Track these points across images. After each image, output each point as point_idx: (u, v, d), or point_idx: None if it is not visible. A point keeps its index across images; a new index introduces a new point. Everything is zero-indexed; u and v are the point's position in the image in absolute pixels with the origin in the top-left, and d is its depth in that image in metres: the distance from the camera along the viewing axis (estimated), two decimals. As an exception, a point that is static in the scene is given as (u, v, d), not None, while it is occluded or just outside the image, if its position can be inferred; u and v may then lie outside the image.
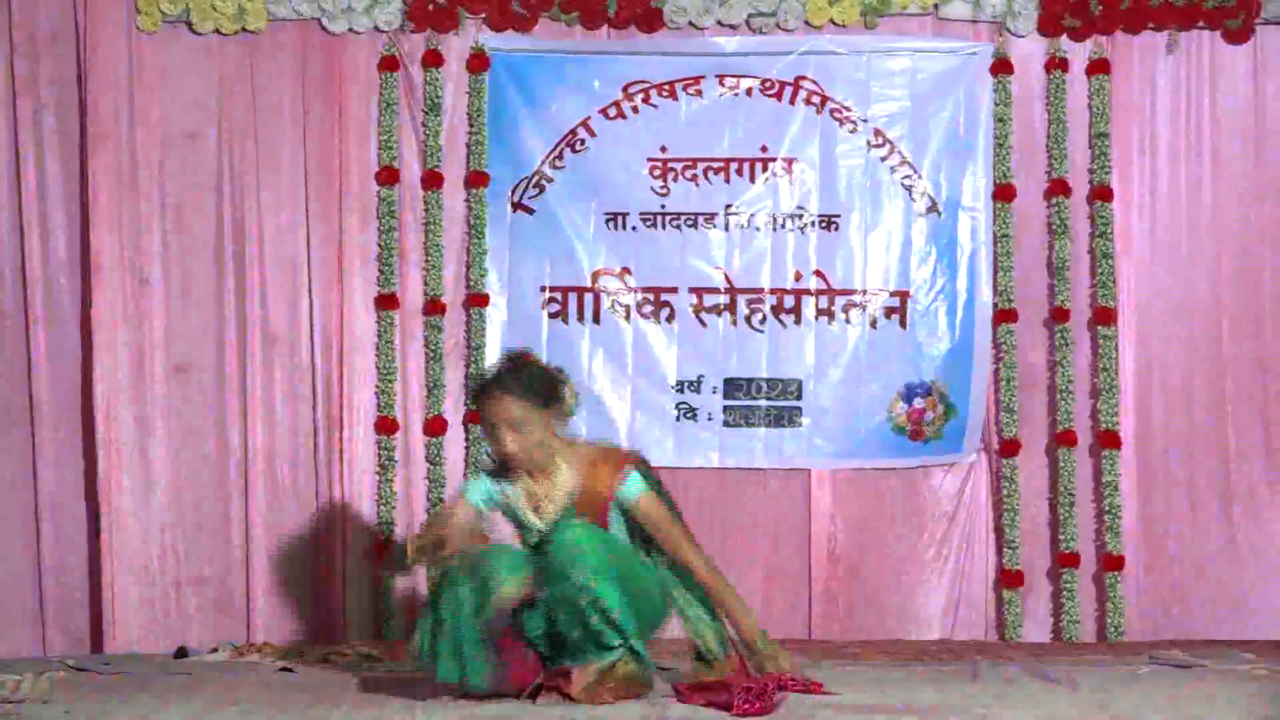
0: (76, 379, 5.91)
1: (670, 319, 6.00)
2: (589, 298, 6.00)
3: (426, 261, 5.96)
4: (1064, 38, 6.01)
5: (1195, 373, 6.02)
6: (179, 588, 5.89)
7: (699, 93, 6.03)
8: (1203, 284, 6.04)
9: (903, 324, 6.03)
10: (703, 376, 6.01)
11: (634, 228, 6.01)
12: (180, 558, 5.90)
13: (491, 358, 5.89)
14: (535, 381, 4.35)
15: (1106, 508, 5.93)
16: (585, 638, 4.14)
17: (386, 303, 5.94)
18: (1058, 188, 5.99)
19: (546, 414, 4.34)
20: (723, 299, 6.02)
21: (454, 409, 5.98)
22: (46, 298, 5.90)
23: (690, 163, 6.02)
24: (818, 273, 6.04)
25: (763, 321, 6.04)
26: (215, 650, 5.50)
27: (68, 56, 5.93)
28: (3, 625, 5.79)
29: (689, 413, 6.00)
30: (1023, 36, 6.01)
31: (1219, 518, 6.00)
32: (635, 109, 6.01)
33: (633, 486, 4.39)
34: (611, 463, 4.44)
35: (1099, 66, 6.00)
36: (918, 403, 6.00)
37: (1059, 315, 5.98)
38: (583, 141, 5.97)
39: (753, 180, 6.04)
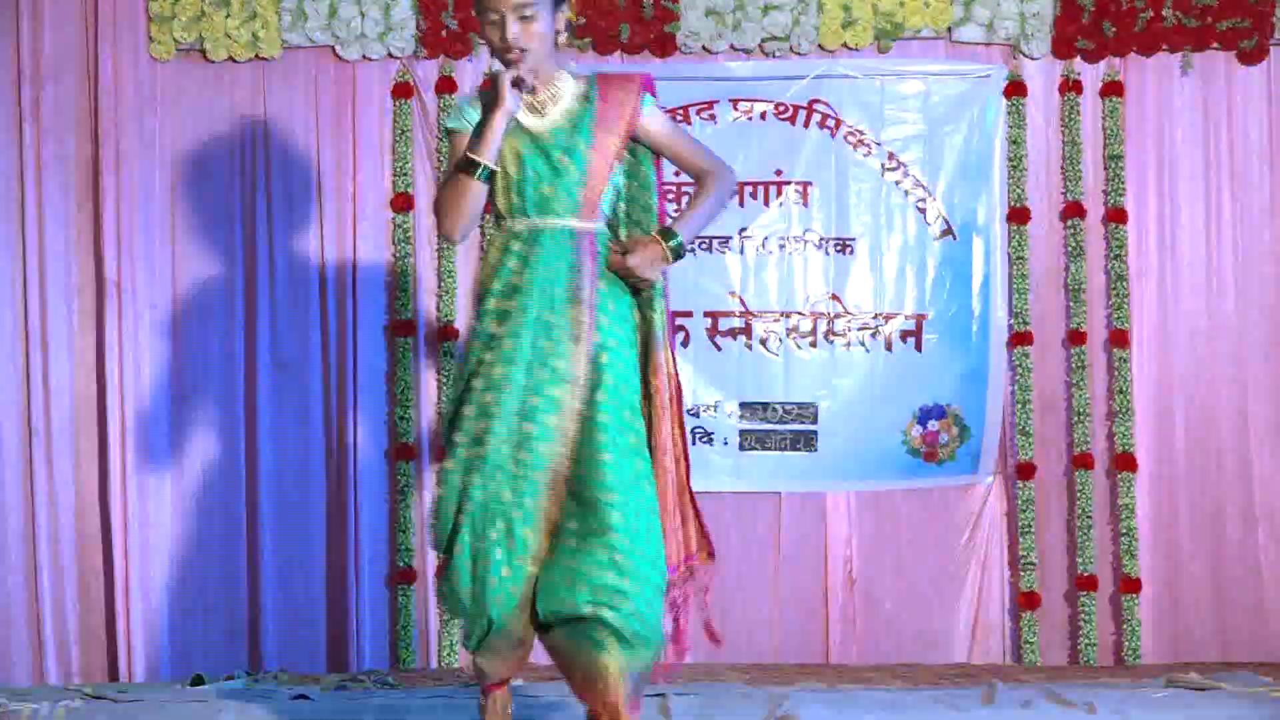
0: (91, 405, 5.91)
1: (685, 343, 6.00)
2: (603, 322, 6.01)
3: (440, 287, 5.97)
4: (1077, 60, 6.01)
5: (1216, 395, 6.00)
6: (190, 616, 5.89)
7: (713, 117, 6.04)
8: (1221, 305, 6.02)
9: (918, 347, 6.03)
10: (718, 400, 6.01)
11: (648, 252, 6.01)
12: (191, 586, 5.90)
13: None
14: None
15: (1123, 530, 5.91)
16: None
17: (401, 329, 5.94)
18: (1072, 210, 5.99)
19: (554, 12, 3.83)
20: (738, 322, 6.02)
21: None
22: (53, 323, 5.89)
23: (703, 186, 6.03)
24: (832, 296, 6.04)
25: (778, 345, 6.04)
26: (231, 678, 5.50)
27: (77, 83, 5.94)
28: (19, 654, 5.77)
29: (704, 436, 6.00)
30: (1036, 59, 6.01)
31: (1240, 540, 5.97)
32: (649, 134, 6.02)
33: (650, 106, 3.92)
34: (622, 80, 3.94)
35: (1113, 88, 6.00)
36: (932, 425, 5.99)
37: (1075, 338, 5.97)
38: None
39: (767, 204, 6.04)
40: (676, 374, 3.93)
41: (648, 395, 3.87)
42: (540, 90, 3.84)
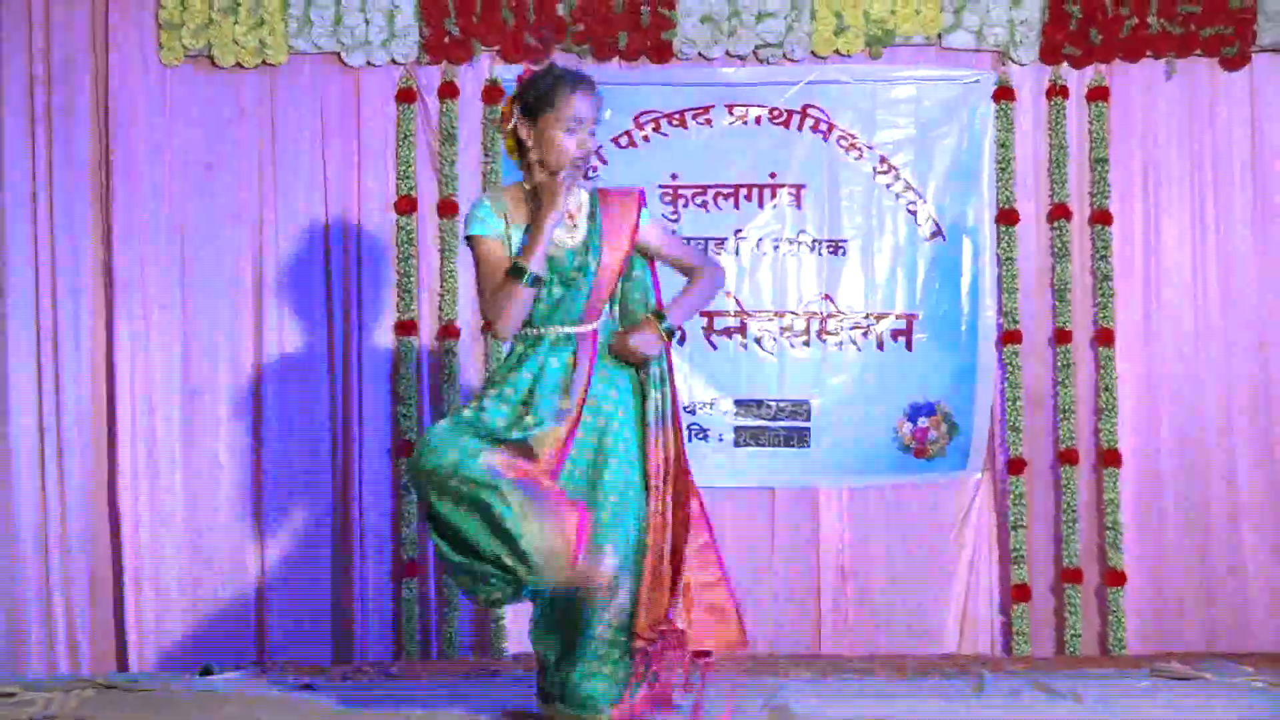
0: (102, 402, 5.93)
1: (681, 341, 6.00)
2: (602, 322, 6.03)
3: (442, 287, 5.99)
4: (1064, 65, 6.03)
5: (1199, 392, 6.02)
6: (198, 608, 5.91)
7: (708, 122, 6.06)
8: (1204, 305, 6.04)
9: (908, 346, 6.05)
10: (714, 398, 6.03)
11: (645, 253, 6.04)
12: (200, 579, 5.92)
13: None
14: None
15: (1108, 524, 5.94)
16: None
17: (404, 328, 5.96)
18: (1059, 212, 6.01)
19: None
20: (733, 322, 6.04)
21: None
22: (65, 321, 5.91)
23: (700, 189, 6.05)
24: (825, 296, 6.06)
25: (772, 344, 6.06)
26: (239, 668, 5.52)
27: (89, 88, 5.95)
28: (33, 646, 5.78)
29: (700, 433, 6.01)
30: (1024, 65, 6.03)
31: (1223, 535, 5.99)
32: (646, 138, 6.04)
33: (648, 219, 4.28)
34: (623, 199, 4.25)
35: (1098, 93, 6.02)
36: (922, 422, 6.01)
37: (1061, 336, 6.00)
38: (595, 169, 5.99)
39: (761, 206, 6.06)
40: (681, 455, 4.23)
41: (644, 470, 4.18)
42: (560, 200, 4.09)
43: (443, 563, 4.16)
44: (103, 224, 5.95)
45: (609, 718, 4.04)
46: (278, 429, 5.96)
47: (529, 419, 4.00)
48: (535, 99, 4.13)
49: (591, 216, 4.20)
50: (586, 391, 4.09)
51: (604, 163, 6.01)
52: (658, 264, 4.38)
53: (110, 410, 5.92)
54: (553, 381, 4.08)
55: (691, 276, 4.37)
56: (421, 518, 4.07)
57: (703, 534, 4.23)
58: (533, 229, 4.05)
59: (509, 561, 3.85)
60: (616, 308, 4.30)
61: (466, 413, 4.03)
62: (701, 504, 4.26)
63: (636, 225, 4.22)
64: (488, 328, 4.19)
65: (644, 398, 4.21)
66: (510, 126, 4.18)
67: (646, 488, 4.14)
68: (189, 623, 5.89)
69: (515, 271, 4.01)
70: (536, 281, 4.04)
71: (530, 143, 4.14)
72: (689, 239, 5.98)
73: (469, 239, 4.15)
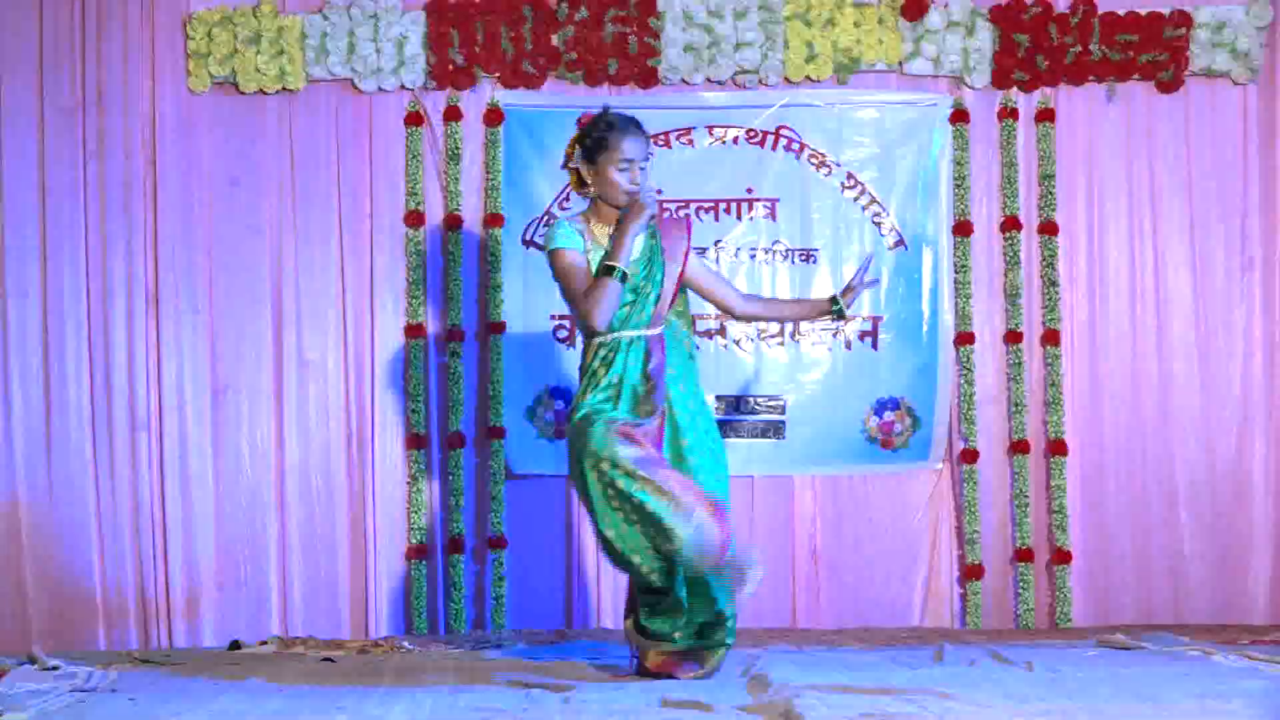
0: (140, 398, 5.93)
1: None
2: (594, 325, 6.04)
3: (448, 294, 6.02)
4: (1014, 90, 6.07)
5: (1140, 388, 6.06)
6: (226, 588, 5.93)
7: (690, 141, 6.09)
8: (1143, 309, 6.08)
9: (874, 346, 6.08)
10: (696, 394, 6.05)
11: (634, 262, 6.06)
12: (228, 561, 5.93)
13: (506, 378, 5.97)
14: None
15: (1055, 508, 5.98)
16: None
17: (413, 331, 5.99)
18: (1010, 224, 6.05)
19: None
20: (714, 324, 6.07)
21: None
22: (112, 327, 5.93)
23: (683, 203, 6.07)
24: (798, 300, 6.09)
25: (750, 345, 6.09)
26: (265, 643, 5.54)
27: (124, 112, 5.95)
28: (76, 623, 5.80)
29: (684, 426, 6.03)
30: (977, 89, 6.07)
31: (1162, 518, 6.03)
32: (634, 157, 6.07)
33: (694, 258, 4.68)
34: (677, 225, 4.64)
35: (1045, 115, 6.06)
36: (888, 416, 6.05)
37: (1012, 337, 6.04)
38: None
39: (739, 218, 6.09)
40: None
41: None
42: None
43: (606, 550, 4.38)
44: (141, 236, 5.95)
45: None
46: (298, 424, 5.99)
47: (644, 407, 4.37)
48: (593, 143, 4.47)
49: (652, 235, 4.52)
50: (665, 392, 4.44)
51: (595, 179, 6.03)
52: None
53: (147, 405, 5.93)
54: (635, 378, 4.40)
55: (727, 299, 4.81)
56: (588, 510, 4.34)
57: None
58: (617, 236, 4.41)
59: (665, 548, 4.20)
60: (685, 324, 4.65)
61: (602, 408, 4.36)
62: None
63: (689, 248, 4.58)
64: (583, 325, 4.47)
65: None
66: (572, 165, 4.51)
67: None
68: (219, 601, 5.91)
69: (607, 270, 4.36)
70: (624, 278, 4.37)
71: (591, 180, 4.49)
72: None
73: (553, 252, 4.47)
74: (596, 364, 4.44)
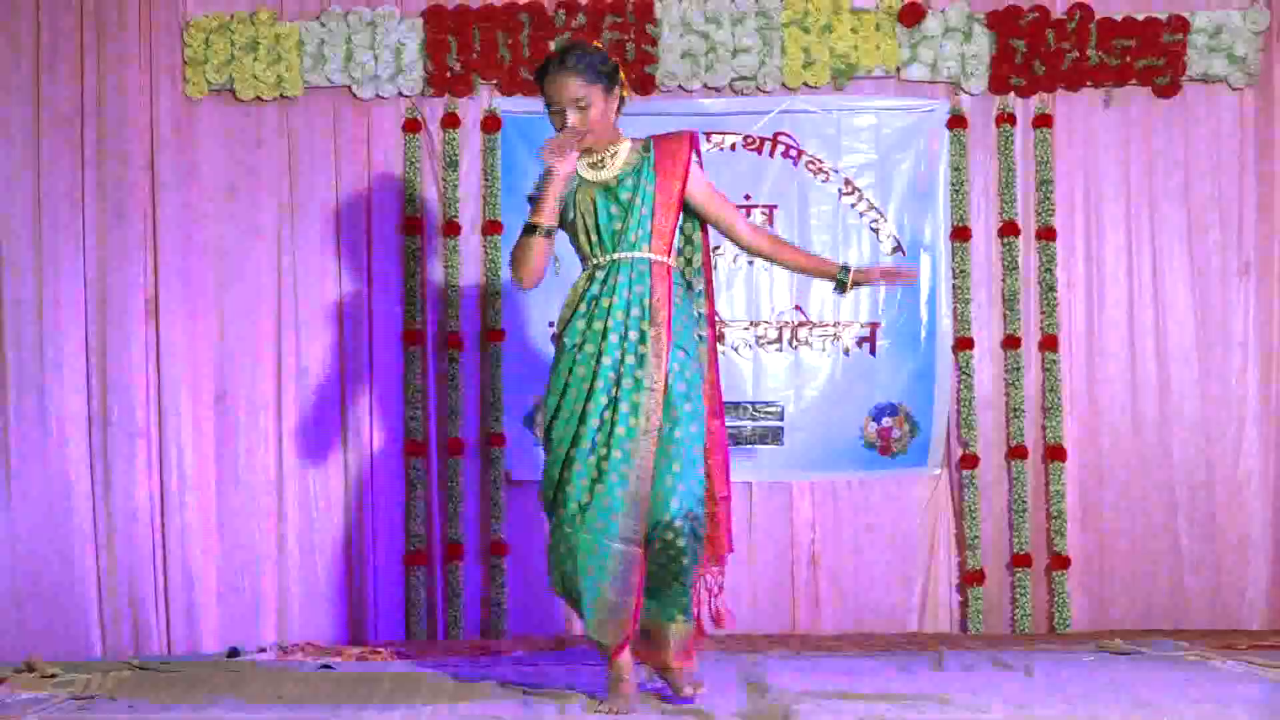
0: (140, 408, 5.93)
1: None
2: (592, 331, 6.04)
3: (447, 301, 6.02)
4: (1011, 95, 6.07)
5: (1139, 393, 6.05)
6: (225, 595, 5.92)
7: (688, 148, 6.09)
8: (1141, 313, 6.08)
9: (872, 351, 6.08)
10: (694, 400, 6.05)
11: (632, 268, 6.06)
12: (227, 568, 5.93)
13: (506, 385, 5.97)
14: (597, 62, 4.12)
15: (1054, 513, 5.98)
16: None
17: (412, 338, 5.99)
18: (1008, 229, 6.05)
19: (607, 96, 4.15)
20: (712, 330, 6.07)
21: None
22: (111, 334, 5.92)
23: (682, 210, 6.07)
24: (796, 306, 6.09)
25: (748, 350, 6.09)
26: (263, 650, 5.53)
27: (121, 119, 5.96)
28: (74, 630, 5.79)
29: (682, 432, 6.03)
30: (974, 95, 6.08)
31: (1161, 523, 6.03)
32: (632, 163, 6.07)
33: (697, 173, 4.24)
34: (674, 138, 4.23)
35: (1042, 120, 6.06)
36: (886, 422, 6.05)
37: (1010, 342, 6.04)
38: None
39: (737, 225, 6.09)
40: (718, 382, 4.37)
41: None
42: (599, 151, 4.16)
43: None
44: (140, 244, 5.95)
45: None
46: (296, 430, 5.98)
47: (622, 410, 4.02)
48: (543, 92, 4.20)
49: (645, 149, 4.20)
50: (670, 332, 4.09)
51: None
52: (710, 231, 4.39)
53: (145, 411, 5.92)
54: (636, 314, 4.09)
55: (735, 228, 4.37)
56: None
57: (722, 451, 4.34)
58: (541, 188, 4.08)
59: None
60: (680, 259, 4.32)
61: (558, 449, 4.09)
62: (722, 421, 4.37)
63: (689, 162, 4.21)
64: (515, 279, 4.18)
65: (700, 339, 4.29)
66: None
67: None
68: (217, 608, 5.91)
69: (527, 228, 4.09)
70: (549, 234, 4.08)
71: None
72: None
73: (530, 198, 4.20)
74: (579, 292, 4.15)
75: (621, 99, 4.23)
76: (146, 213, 5.97)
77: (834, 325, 6.07)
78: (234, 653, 5.47)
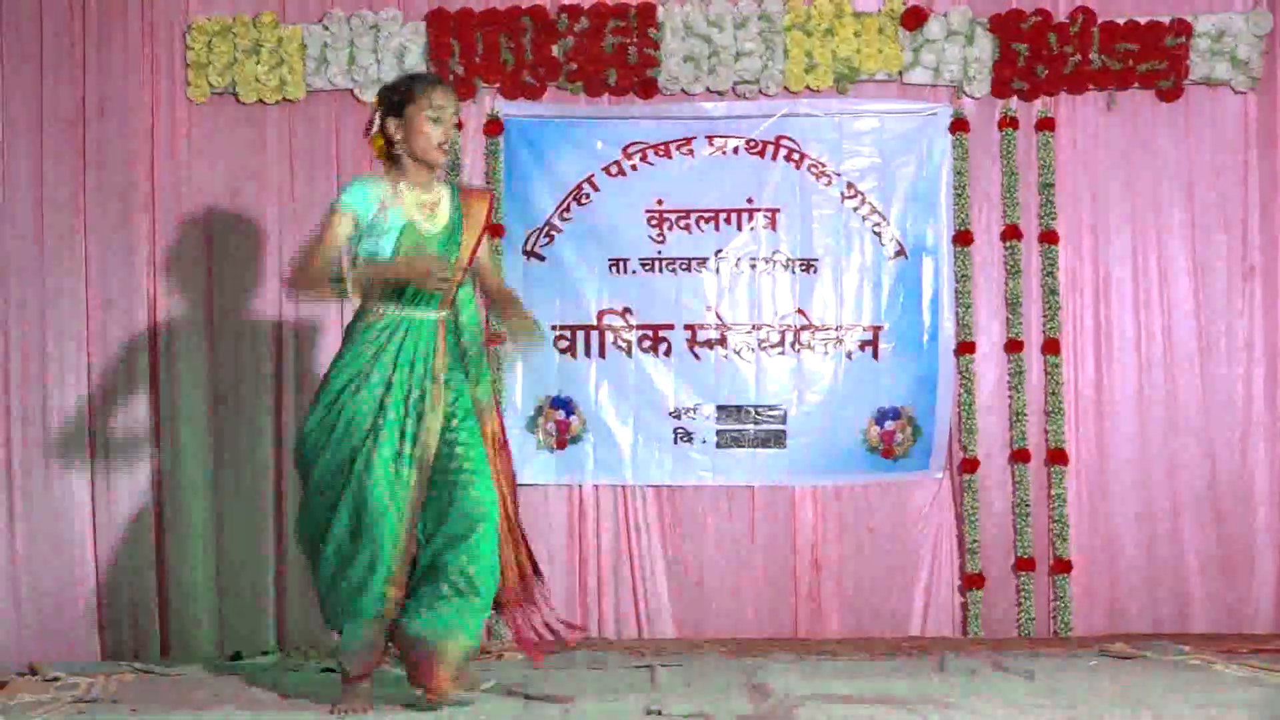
0: (140, 409, 5.93)
1: (667, 353, 6.05)
2: (595, 335, 6.05)
3: (449, 304, 6.00)
4: (1014, 99, 6.07)
5: (1143, 396, 6.05)
6: (226, 599, 5.91)
7: (690, 152, 6.10)
8: (1145, 316, 6.08)
9: (875, 355, 6.08)
10: (697, 404, 6.06)
11: (634, 272, 6.06)
12: (227, 572, 5.92)
13: (510, 393, 5.97)
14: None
15: (1056, 517, 5.97)
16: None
17: (414, 341, 5.98)
18: (1010, 233, 6.05)
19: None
20: (714, 334, 6.08)
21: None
22: (110, 339, 5.93)
23: (684, 214, 6.08)
24: (798, 310, 6.09)
25: (750, 354, 6.09)
26: (265, 654, 5.53)
27: (123, 122, 5.97)
28: (78, 634, 5.79)
29: (685, 436, 6.04)
30: (977, 98, 6.08)
31: (1162, 524, 6.02)
32: (634, 167, 6.08)
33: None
34: (480, 196, 4.38)
35: (1045, 124, 6.07)
36: (888, 425, 6.04)
37: (1013, 346, 6.03)
38: (588, 196, 6.04)
39: (739, 229, 6.09)
40: (503, 433, 4.39)
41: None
42: (423, 192, 4.22)
43: None
44: (141, 246, 5.96)
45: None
46: (291, 433, 5.94)
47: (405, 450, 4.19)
48: (399, 97, 4.22)
49: (456, 207, 4.26)
50: (442, 387, 4.18)
51: (596, 190, 6.04)
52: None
53: (146, 415, 5.93)
54: (419, 369, 4.14)
55: (503, 296, 4.44)
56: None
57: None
58: (386, 267, 4.10)
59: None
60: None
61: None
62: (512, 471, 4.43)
63: (488, 221, 4.33)
64: (292, 282, 4.27)
65: (476, 382, 4.30)
66: (375, 131, 4.25)
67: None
68: (218, 612, 5.89)
69: (337, 285, 4.18)
70: (343, 294, 4.18)
71: (399, 135, 4.20)
72: (675, 258, 6.03)
73: (333, 205, 4.18)
74: (365, 341, 4.16)
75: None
76: (149, 215, 5.98)
77: (836, 329, 6.07)
78: (236, 656, 5.47)
